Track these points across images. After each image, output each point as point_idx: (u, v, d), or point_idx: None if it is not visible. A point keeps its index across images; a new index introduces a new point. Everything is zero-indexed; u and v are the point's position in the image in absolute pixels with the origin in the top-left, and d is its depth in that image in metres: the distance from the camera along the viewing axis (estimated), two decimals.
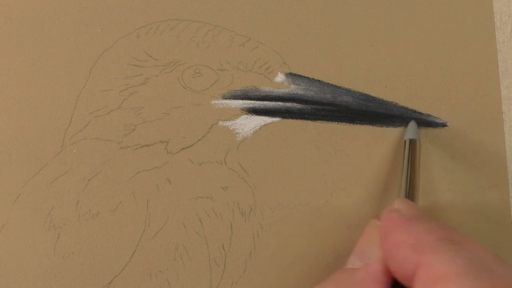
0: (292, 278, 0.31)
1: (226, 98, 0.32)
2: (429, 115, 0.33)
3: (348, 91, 0.33)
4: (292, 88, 0.33)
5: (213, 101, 0.32)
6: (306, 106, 0.33)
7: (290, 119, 0.32)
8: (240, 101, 0.32)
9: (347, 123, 0.33)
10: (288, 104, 0.32)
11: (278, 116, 0.32)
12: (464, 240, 0.25)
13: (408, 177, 0.30)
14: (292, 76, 0.33)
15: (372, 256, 0.26)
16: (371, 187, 0.33)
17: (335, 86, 0.33)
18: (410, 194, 0.29)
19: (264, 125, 0.32)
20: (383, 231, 0.26)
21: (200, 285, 0.31)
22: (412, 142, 0.31)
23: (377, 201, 0.33)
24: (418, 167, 0.31)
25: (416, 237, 0.24)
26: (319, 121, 0.33)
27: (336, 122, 0.33)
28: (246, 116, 0.32)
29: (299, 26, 0.33)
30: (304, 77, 0.33)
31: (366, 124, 0.33)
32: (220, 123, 0.32)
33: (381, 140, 0.33)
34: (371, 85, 0.33)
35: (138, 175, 0.31)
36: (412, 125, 0.32)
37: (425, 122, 0.33)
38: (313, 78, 0.33)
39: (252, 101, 0.32)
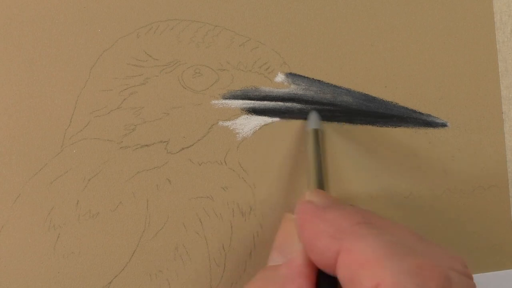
0: None
1: (226, 98, 0.32)
2: (429, 115, 0.33)
3: (348, 91, 0.33)
4: (292, 88, 0.33)
5: (213, 101, 0.32)
6: (306, 106, 0.33)
7: (290, 119, 0.32)
8: (240, 101, 0.32)
9: (347, 123, 0.33)
10: (288, 104, 0.32)
11: (278, 116, 0.32)
12: (383, 222, 0.24)
13: (317, 167, 0.29)
14: (292, 76, 0.33)
15: (292, 250, 0.26)
16: (371, 187, 0.33)
17: (335, 86, 0.33)
18: (321, 184, 0.29)
19: (264, 125, 0.32)
20: (299, 223, 0.25)
21: (200, 285, 0.31)
22: (316, 132, 0.31)
23: (378, 201, 0.33)
24: (325, 156, 0.31)
25: (332, 224, 0.24)
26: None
27: (336, 122, 0.33)
28: (246, 116, 0.32)
29: (299, 26, 0.33)
30: (304, 77, 0.33)
31: (366, 124, 0.33)
32: (220, 123, 0.32)
33: (381, 140, 0.33)
34: (371, 85, 0.33)
35: (138, 175, 0.31)
36: (313, 114, 0.32)
37: (425, 122, 0.33)
38: (313, 78, 0.33)
39: (252, 101, 0.32)
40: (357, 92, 0.33)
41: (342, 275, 0.23)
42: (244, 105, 0.32)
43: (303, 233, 0.25)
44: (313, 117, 0.32)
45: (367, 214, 0.25)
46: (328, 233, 0.24)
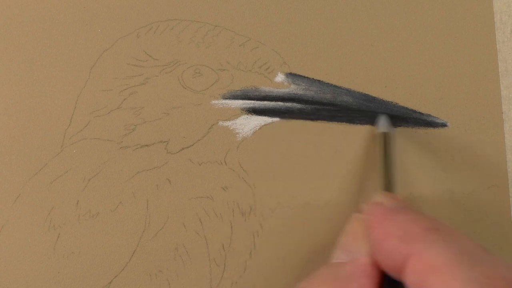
0: (292, 278, 0.31)
1: (226, 98, 0.32)
2: (429, 115, 0.33)
3: (348, 91, 0.33)
4: (292, 88, 0.33)
5: (213, 101, 0.32)
6: (306, 106, 0.33)
7: (290, 119, 0.32)
8: (240, 101, 0.32)
9: (347, 123, 0.33)
10: (288, 104, 0.32)
11: (278, 116, 0.32)
12: (451, 230, 0.24)
13: (386, 170, 0.30)
14: (292, 76, 0.33)
15: (358, 250, 0.26)
16: (371, 187, 0.33)
17: (335, 86, 0.33)
18: (389, 187, 0.29)
19: (264, 125, 0.32)
20: (369, 224, 0.26)
21: (200, 285, 0.31)
22: (386, 135, 0.31)
23: None
24: (394, 159, 0.31)
25: (403, 227, 0.24)
26: (319, 121, 0.33)
27: (336, 122, 0.33)
28: (246, 116, 0.32)
29: (299, 26, 0.33)
30: (304, 77, 0.33)
31: (366, 124, 0.33)
32: (220, 123, 0.32)
33: None
34: (371, 85, 0.33)
35: (138, 175, 0.31)
36: (383, 118, 0.32)
37: (425, 122, 0.33)
38: (313, 78, 0.33)
39: (252, 101, 0.32)
40: (357, 92, 0.33)
41: (410, 279, 0.23)
42: (244, 105, 0.32)
43: (372, 233, 0.25)
44: (383, 121, 0.32)
45: (436, 221, 0.25)
46: (398, 236, 0.24)
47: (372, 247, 0.25)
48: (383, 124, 0.32)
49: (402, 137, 0.33)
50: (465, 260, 0.22)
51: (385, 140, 0.31)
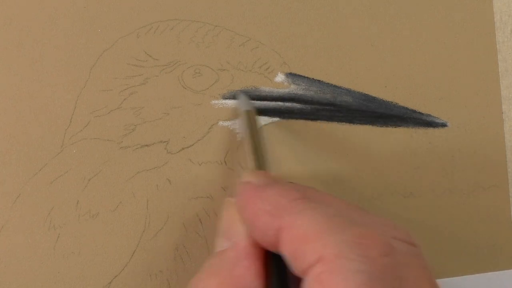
0: None
1: (226, 98, 0.32)
2: (429, 115, 0.33)
3: (348, 91, 0.33)
4: (292, 88, 0.33)
5: (213, 101, 0.32)
6: (306, 106, 0.33)
7: (290, 119, 0.32)
8: None
9: (347, 123, 0.33)
10: (288, 104, 0.32)
11: (278, 116, 0.32)
12: (323, 197, 0.24)
13: (254, 148, 0.29)
14: (292, 76, 0.33)
15: (236, 234, 0.25)
16: (371, 187, 0.33)
17: (335, 86, 0.33)
18: (259, 164, 0.28)
19: (264, 125, 0.32)
20: (240, 204, 0.25)
21: None
22: (249, 113, 0.31)
23: (378, 201, 0.33)
24: (262, 136, 0.30)
25: (271, 202, 0.24)
26: (319, 121, 0.33)
27: (336, 122, 0.33)
28: None
29: (299, 26, 0.33)
30: (304, 77, 0.33)
31: (366, 124, 0.33)
32: (220, 123, 0.32)
33: (381, 140, 0.33)
34: (371, 85, 0.33)
35: (138, 175, 0.31)
36: (242, 97, 0.32)
37: (425, 122, 0.33)
38: (313, 78, 0.33)
39: (252, 101, 0.32)
40: (357, 92, 0.33)
41: (286, 252, 0.23)
42: None
43: (243, 214, 0.25)
44: (243, 99, 0.32)
45: (306, 189, 0.25)
46: (267, 211, 0.24)
47: (247, 227, 0.25)
48: (243, 102, 0.31)
49: (402, 137, 0.33)
50: (336, 224, 0.22)
51: (249, 118, 0.31)
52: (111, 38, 0.31)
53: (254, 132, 0.30)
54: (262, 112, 0.32)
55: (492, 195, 0.34)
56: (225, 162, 0.32)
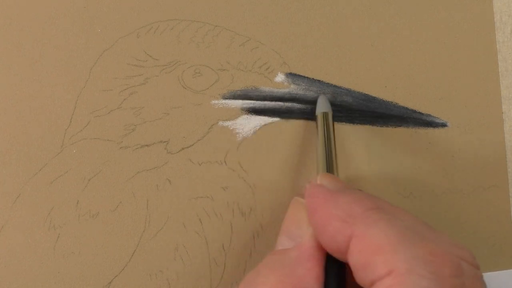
0: None
1: (226, 98, 0.32)
2: (429, 115, 0.33)
3: (348, 91, 0.33)
4: (292, 88, 0.33)
5: (213, 101, 0.32)
6: (306, 106, 0.33)
7: (290, 119, 0.32)
8: (240, 101, 0.32)
9: (347, 123, 0.33)
10: (288, 104, 0.32)
11: (278, 116, 0.32)
12: (394, 209, 0.24)
13: (327, 151, 0.29)
14: (292, 76, 0.33)
15: (301, 234, 0.26)
16: (371, 187, 0.33)
17: (335, 86, 0.33)
18: (330, 168, 0.29)
19: (264, 125, 0.32)
20: (310, 207, 0.25)
21: (200, 285, 0.31)
22: (326, 115, 0.31)
23: None
24: (334, 140, 0.30)
25: (345, 209, 0.24)
26: None
27: (336, 122, 0.33)
28: (246, 116, 0.32)
29: (299, 26, 0.33)
30: (304, 77, 0.33)
31: (366, 124, 0.33)
32: (220, 123, 0.32)
33: (381, 140, 0.33)
34: (371, 85, 0.33)
35: (138, 175, 0.31)
36: (322, 98, 0.32)
37: (425, 122, 0.33)
38: (313, 78, 0.33)
39: (252, 101, 0.32)
40: (357, 92, 0.33)
41: (354, 260, 0.22)
42: (244, 105, 0.32)
43: (314, 216, 0.25)
44: (322, 101, 0.32)
45: (378, 200, 0.25)
46: (340, 218, 0.23)
47: (315, 230, 0.25)
48: (323, 104, 0.32)
49: (402, 137, 0.33)
50: (408, 238, 0.22)
51: (325, 120, 0.31)
52: (111, 38, 0.31)
53: (329, 135, 0.30)
54: (262, 112, 0.32)
55: (492, 195, 0.34)
56: (225, 162, 0.32)
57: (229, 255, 0.31)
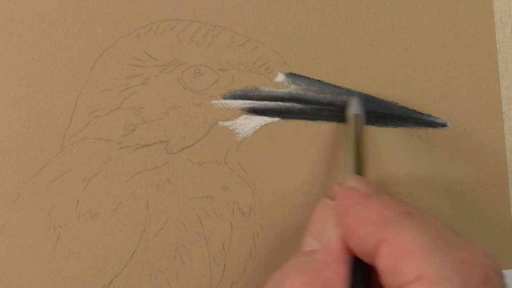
0: None
1: (226, 98, 0.32)
2: (429, 115, 0.33)
3: (348, 91, 0.33)
4: (292, 88, 0.33)
5: (213, 101, 0.32)
6: (306, 106, 0.33)
7: (290, 119, 0.32)
8: (240, 101, 0.32)
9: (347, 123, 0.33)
10: (288, 104, 0.32)
11: (278, 116, 0.32)
12: (425, 215, 0.24)
13: (357, 153, 0.29)
14: (292, 76, 0.33)
15: (329, 236, 0.26)
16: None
17: (335, 86, 0.33)
18: (360, 170, 0.29)
19: (264, 125, 0.32)
20: (341, 209, 0.25)
21: (200, 285, 0.31)
22: (357, 117, 0.31)
23: None
24: (365, 143, 0.30)
25: (376, 212, 0.24)
26: (319, 121, 0.33)
27: (336, 122, 0.33)
28: (246, 116, 0.32)
29: (299, 26, 0.33)
30: (304, 77, 0.33)
31: (366, 124, 0.33)
32: (220, 123, 0.32)
33: (381, 140, 0.33)
34: (371, 85, 0.33)
35: (138, 175, 0.31)
36: (355, 100, 0.32)
37: (425, 122, 0.33)
38: (313, 78, 0.33)
39: (252, 101, 0.32)
40: (357, 92, 0.33)
41: (383, 264, 0.22)
42: (244, 105, 0.32)
43: (345, 219, 0.25)
44: (355, 102, 0.32)
45: (408, 205, 0.25)
46: (371, 221, 0.23)
47: (344, 232, 0.25)
48: (355, 106, 0.32)
49: (402, 137, 0.33)
50: (439, 245, 0.22)
51: (356, 122, 0.31)
52: (111, 38, 0.31)
53: (359, 137, 0.30)
54: (262, 112, 0.32)
55: (492, 195, 0.34)
56: (225, 162, 0.32)
57: (229, 255, 0.31)
